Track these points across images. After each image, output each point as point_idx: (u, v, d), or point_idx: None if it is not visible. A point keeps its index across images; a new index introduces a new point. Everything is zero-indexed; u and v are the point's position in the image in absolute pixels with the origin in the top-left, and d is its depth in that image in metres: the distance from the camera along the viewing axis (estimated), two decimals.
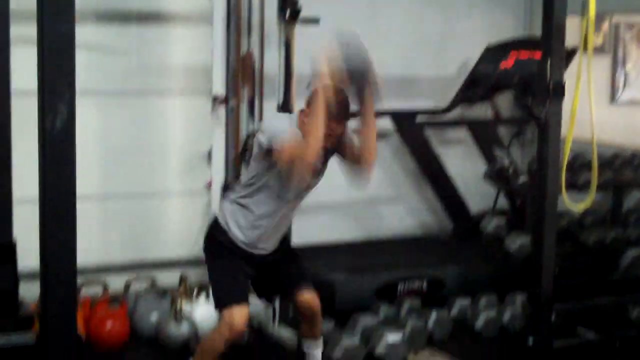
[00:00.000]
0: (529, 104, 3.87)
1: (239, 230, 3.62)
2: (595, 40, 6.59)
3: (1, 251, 3.16)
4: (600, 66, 6.45)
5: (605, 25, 6.51)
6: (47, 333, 1.98)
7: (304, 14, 4.72)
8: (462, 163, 6.24)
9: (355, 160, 3.63)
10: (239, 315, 3.54)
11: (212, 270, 3.70)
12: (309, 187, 3.69)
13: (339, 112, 3.44)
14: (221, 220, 3.68)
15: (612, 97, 6.55)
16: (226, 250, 3.64)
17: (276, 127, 3.51)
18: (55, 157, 2.01)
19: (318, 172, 3.62)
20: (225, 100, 4.95)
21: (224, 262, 3.64)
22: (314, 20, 4.77)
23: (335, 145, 3.58)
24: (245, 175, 3.74)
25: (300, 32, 4.76)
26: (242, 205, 3.63)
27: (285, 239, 3.89)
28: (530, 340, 4.07)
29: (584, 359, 4.33)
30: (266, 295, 4.05)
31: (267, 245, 3.71)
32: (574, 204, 4.14)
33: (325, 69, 3.39)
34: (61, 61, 2.14)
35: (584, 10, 3.85)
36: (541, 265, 3.99)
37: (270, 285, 3.87)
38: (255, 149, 3.59)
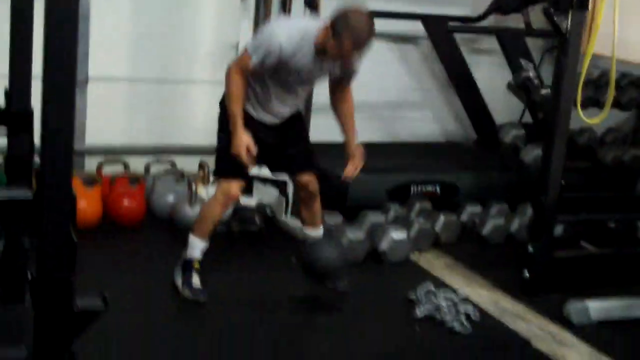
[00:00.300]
0: (553, 15, 3.81)
1: (248, 103, 3.77)
2: None
3: (19, 118, 3.24)
4: None
5: None
6: (43, 189, 2.08)
7: None
8: (492, 73, 6.19)
9: (332, 91, 3.90)
10: (234, 186, 3.83)
11: (220, 140, 3.88)
12: (312, 81, 3.79)
13: (357, 51, 3.56)
14: None
15: None
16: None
17: (259, 38, 3.64)
18: (58, 27, 2.06)
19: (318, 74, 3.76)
20: None
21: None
22: None
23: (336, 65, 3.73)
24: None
25: None
26: (250, 83, 3.74)
27: (300, 114, 4.02)
28: (530, 248, 4.14)
29: (583, 270, 4.38)
30: (274, 169, 4.23)
31: (276, 118, 3.86)
32: (588, 118, 4.14)
33: None
34: None
35: None
36: (548, 174, 4.02)
37: (277, 161, 4.03)
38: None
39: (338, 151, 4.78)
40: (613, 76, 3.98)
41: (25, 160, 3.32)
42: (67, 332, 2.21)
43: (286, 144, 3.95)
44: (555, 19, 3.82)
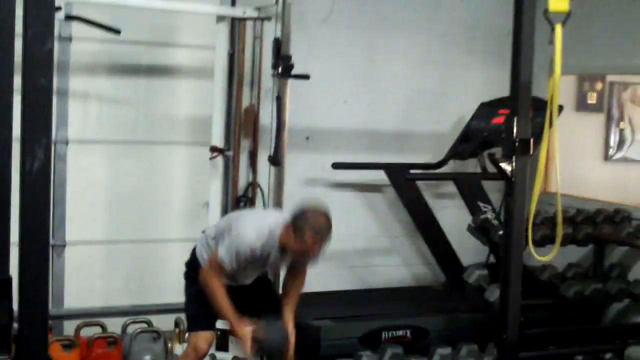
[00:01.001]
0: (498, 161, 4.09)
1: None
2: (589, 99, 6.85)
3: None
4: (594, 124, 6.69)
5: (599, 85, 6.74)
6: (21, 353, 2.27)
7: (301, 69, 4.99)
8: (457, 216, 6.44)
9: (290, 268, 4.14)
10: (202, 339, 4.03)
11: (186, 296, 4.16)
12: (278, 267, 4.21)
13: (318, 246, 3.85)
14: (199, 256, 4.07)
15: (606, 155, 6.75)
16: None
17: (228, 242, 3.86)
18: (32, 197, 2.28)
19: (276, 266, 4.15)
20: (221, 151, 5.23)
21: (198, 290, 3.99)
22: (305, 77, 5.06)
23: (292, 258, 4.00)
24: (216, 229, 4.10)
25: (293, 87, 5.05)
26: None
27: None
28: None
29: None
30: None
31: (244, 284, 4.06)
32: (545, 256, 4.35)
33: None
34: (40, 111, 2.44)
35: (550, 69, 4.09)
36: (507, 312, 4.18)
37: (246, 308, 4.13)
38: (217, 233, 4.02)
39: (311, 302, 4.96)
40: (560, 215, 4.20)
41: (3, 325, 3.44)
42: None
43: (254, 292, 4.16)
44: (501, 164, 4.08)
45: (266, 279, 4.27)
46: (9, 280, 3.46)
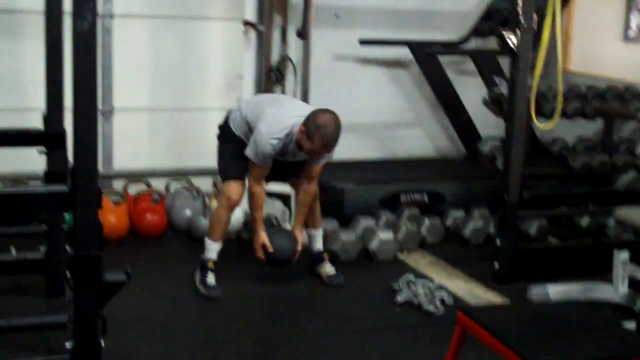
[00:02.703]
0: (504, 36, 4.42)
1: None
2: None
3: (55, 138, 3.92)
4: (615, 4, 6.89)
5: None
6: (76, 184, 2.72)
7: None
8: (478, 92, 6.78)
9: (305, 174, 4.62)
10: (234, 189, 4.59)
11: (218, 154, 4.74)
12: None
13: (326, 148, 4.37)
14: (231, 122, 4.62)
15: (625, 35, 6.96)
16: (234, 140, 4.58)
17: (256, 148, 4.39)
18: (82, 54, 2.71)
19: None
20: (254, 26, 5.59)
21: (229, 146, 4.63)
22: None
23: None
24: (249, 111, 4.58)
25: None
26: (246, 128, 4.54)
27: None
28: (498, 242, 4.74)
29: (546, 261, 4.96)
30: (281, 180, 4.94)
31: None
32: (542, 124, 4.75)
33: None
34: None
35: None
36: (509, 174, 4.62)
37: (283, 174, 4.75)
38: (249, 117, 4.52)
39: (339, 168, 5.43)
40: (560, 88, 4.56)
41: (62, 173, 3.93)
42: (99, 300, 2.86)
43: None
44: (506, 38, 4.43)
45: None
46: (63, 132, 3.99)
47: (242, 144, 4.53)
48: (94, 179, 2.75)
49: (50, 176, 3.93)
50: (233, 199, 4.59)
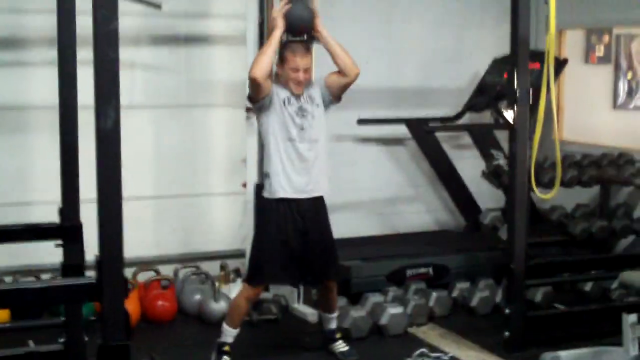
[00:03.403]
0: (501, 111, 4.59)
1: (276, 178, 4.50)
2: (597, 51, 7.27)
3: (71, 231, 4.01)
4: (603, 75, 7.11)
5: (606, 37, 7.15)
6: (102, 275, 2.80)
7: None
8: (474, 166, 6.94)
9: (342, 82, 4.64)
10: (255, 292, 4.66)
11: (254, 245, 4.67)
12: (308, 125, 4.60)
13: (296, 48, 4.42)
14: (264, 182, 4.59)
15: (615, 103, 7.17)
16: (272, 217, 4.51)
17: None
18: (106, 150, 2.83)
19: (307, 105, 4.59)
20: None
21: (266, 238, 4.54)
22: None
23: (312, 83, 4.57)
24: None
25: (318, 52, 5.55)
26: (270, 155, 4.54)
27: (323, 202, 4.66)
28: (507, 310, 4.81)
29: (555, 327, 5.03)
30: (299, 282, 5.01)
31: (306, 185, 4.54)
32: (542, 194, 4.87)
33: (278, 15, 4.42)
34: (109, 78, 2.99)
35: (547, 26, 4.56)
36: (514, 243, 4.72)
37: (302, 274, 4.66)
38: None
39: (343, 245, 5.52)
40: (558, 157, 4.70)
41: (78, 265, 4.01)
42: None
43: (310, 251, 4.59)
44: (504, 113, 4.59)
45: (322, 216, 4.67)
46: (79, 225, 4.08)
47: (281, 203, 4.48)
48: (120, 268, 2.84)
49: (67, 268, 4.01)
50: (257, 296, 4.75)
